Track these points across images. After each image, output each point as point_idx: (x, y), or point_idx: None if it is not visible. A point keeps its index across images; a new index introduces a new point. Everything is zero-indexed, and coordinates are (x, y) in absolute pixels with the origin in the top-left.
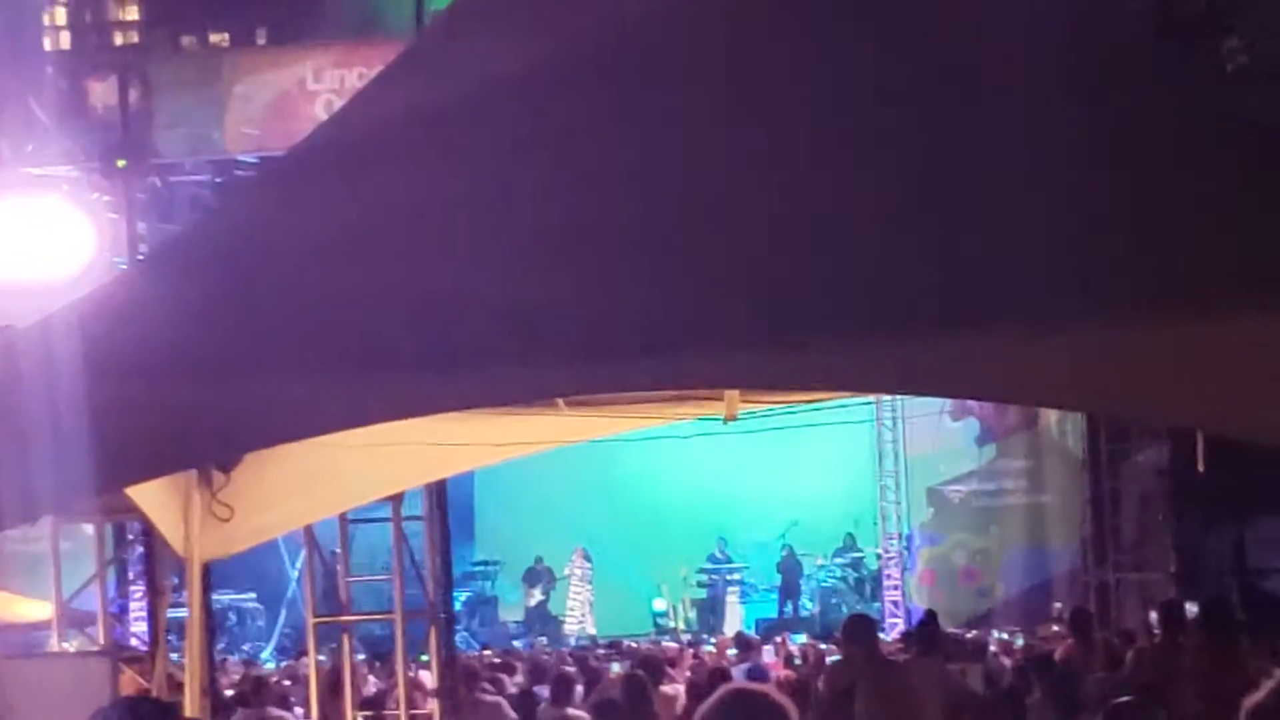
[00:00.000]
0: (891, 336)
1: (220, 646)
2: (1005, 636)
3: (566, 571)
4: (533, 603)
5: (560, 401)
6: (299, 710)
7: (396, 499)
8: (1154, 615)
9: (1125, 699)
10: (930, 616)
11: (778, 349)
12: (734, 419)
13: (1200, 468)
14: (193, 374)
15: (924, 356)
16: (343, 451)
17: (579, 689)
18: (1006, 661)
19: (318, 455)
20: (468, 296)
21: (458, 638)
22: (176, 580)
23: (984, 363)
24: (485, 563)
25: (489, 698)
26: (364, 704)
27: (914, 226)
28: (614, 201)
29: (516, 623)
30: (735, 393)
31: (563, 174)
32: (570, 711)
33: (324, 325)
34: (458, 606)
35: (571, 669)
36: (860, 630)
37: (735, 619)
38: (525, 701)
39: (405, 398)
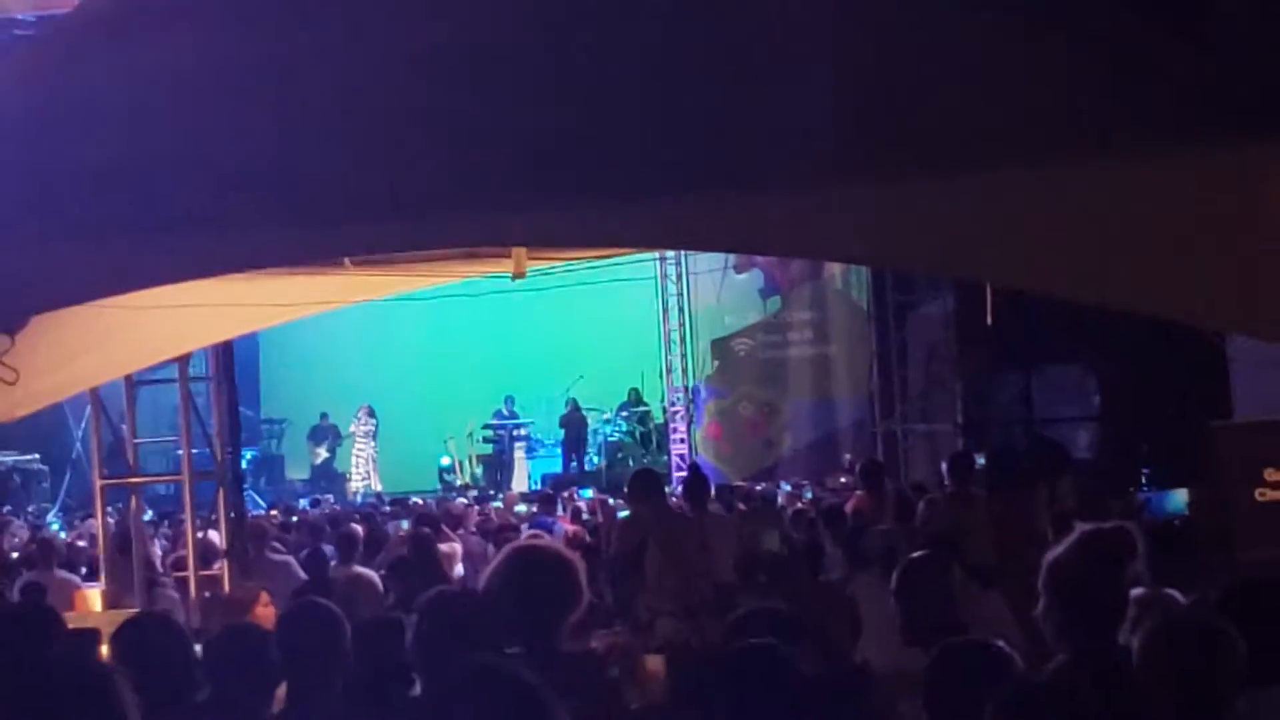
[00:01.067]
0: (673, 193)
1: (5, 509)
2: (791, 489)
3: (352, 429)
4: (318, 461)
5: (347, 260)
6: (84, 571)
7: (183, 360)
8: (944, 466)
9: (921, 553)
10: (693, 469)
11: (563, 207)
12: (522, 276)
13: (989, 320)
14: None
15: (705, 212)
16: (128, 313)
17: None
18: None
19: (103, 317)
20: (250, 159)
21: (244, 497)
22: None
23: (765, 216)
24: (271, 421)
25: (278, 557)
26: (153, 565)
27: (698, 90)
28: (406, 70)
29: (303, 481)
30: (523, 250)
31: (352, 46)
32: (357, 569)
33: (107, 189)
34: (244, 466)
35: (357, 527)
36: (647, 486)
37: (522, 475)
38: (314, 560)
39: (189, 259)
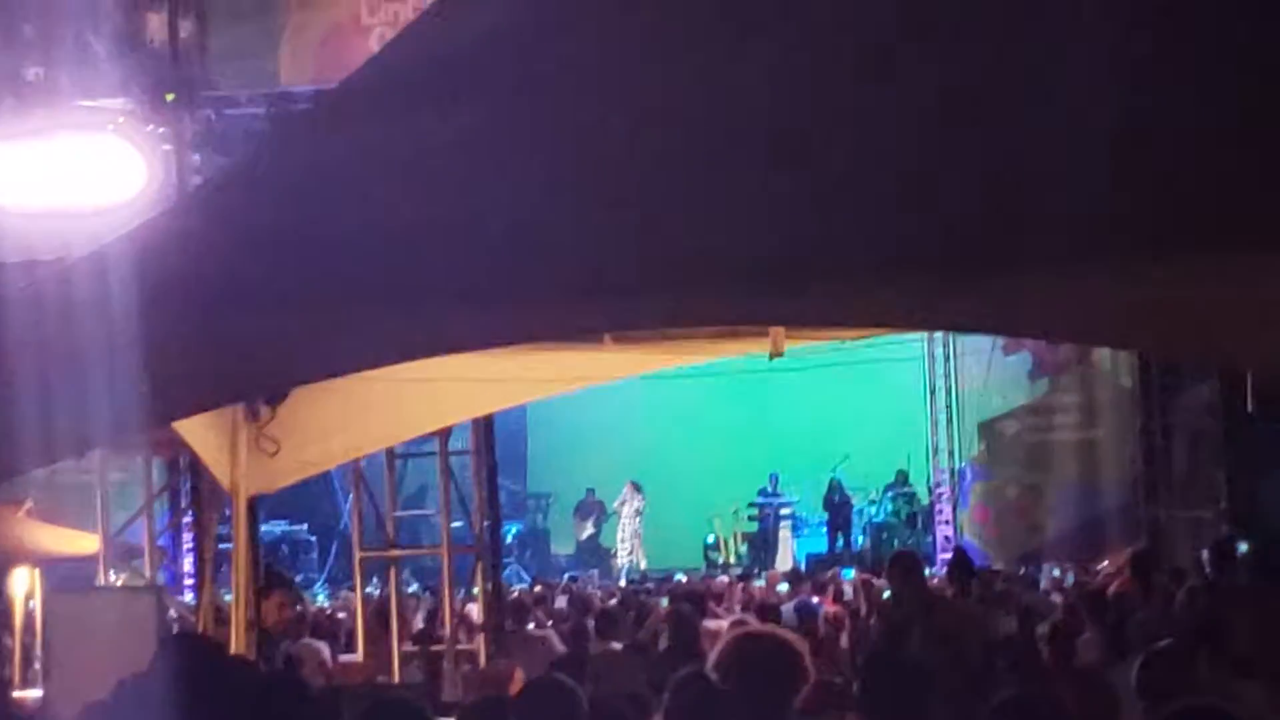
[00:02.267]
0: (938, 274)
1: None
2: (1057, 573)
3: (617, 505)
4: (584, 536)
5: (606, 337)
6: (339, 643)
7: (443, 433)
8: (1205, 554)
9: (1167, 641)
10: (959, 552)
11: (818, 286)
12: (780, 355)
13: (1249, 406)
14: (240, 307)
15: (971, 294)
16: (389, 386)
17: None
18: (1057, 599)
19: (364, 390)
20: (515, 232)
21: (509, 571)
22: (227, 514)
23: (1032, 299)
24: (537, 496)
25: (537, 631)
26: (412, 637)
27: (951, 161)
28: (652, 141)
29: (568, 556)
30: (781, 330)
31: (605, 111)
32: (615, 646)
33: (372, 260)
34: (509, 540)
35: (616, 603)
36: (907, 566)
37: (787, 553)
38: (576, 634)
39: (451, 332)
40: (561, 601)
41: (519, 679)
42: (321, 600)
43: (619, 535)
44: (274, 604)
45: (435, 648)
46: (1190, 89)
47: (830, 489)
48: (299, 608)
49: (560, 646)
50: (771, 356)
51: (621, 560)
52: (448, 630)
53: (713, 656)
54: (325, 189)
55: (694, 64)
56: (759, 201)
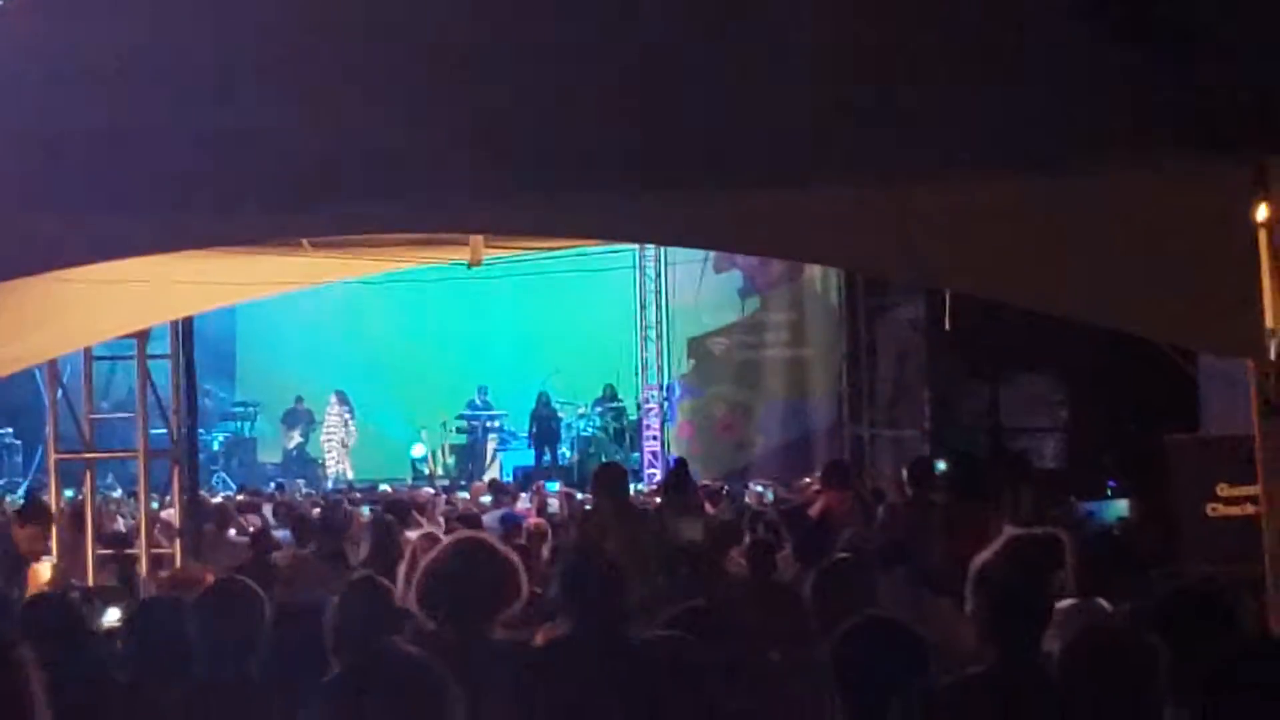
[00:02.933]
0: (646, 187)
1: None
2: (760, 489)
3: (327, 414)
4: (291, 445)
5: (305, 242)
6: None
7: (142, 336)
8: (904, 473)
9: (841, 556)
10: (680, 464)
11: (524, 196)
12: (478, 264)
13: (946, 326)
14: None
15: (683, 208)
16: (85, 287)
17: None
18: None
19: (62, 290)
20: (218, 138)
21: (215, 479)
22: None
23: (738, 214)
24: (244, 403)
25: (236, 537)
26: (108, 541)
27: (684, 84)
28: (375, 53)
29: (275, 465)
30: (479, 238)
31: (332, 26)
32: (305, 553)
33: (68, 161)
34: (215, 447)
35: (315, 511)
36: (611, 480)
37: (495, 467)
38: (261, 540)
39: (150, 233)
40: (268, 510)
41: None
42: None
43: (325, 445)
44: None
45: (130, 551)
46: (920, 39)
47: (538, 402)
48: None
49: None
50: (470, 265)
51: (330, 469)
52: (142, 535)
53: (426, 560)
54: (20, 91)
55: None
56: (464, 119)
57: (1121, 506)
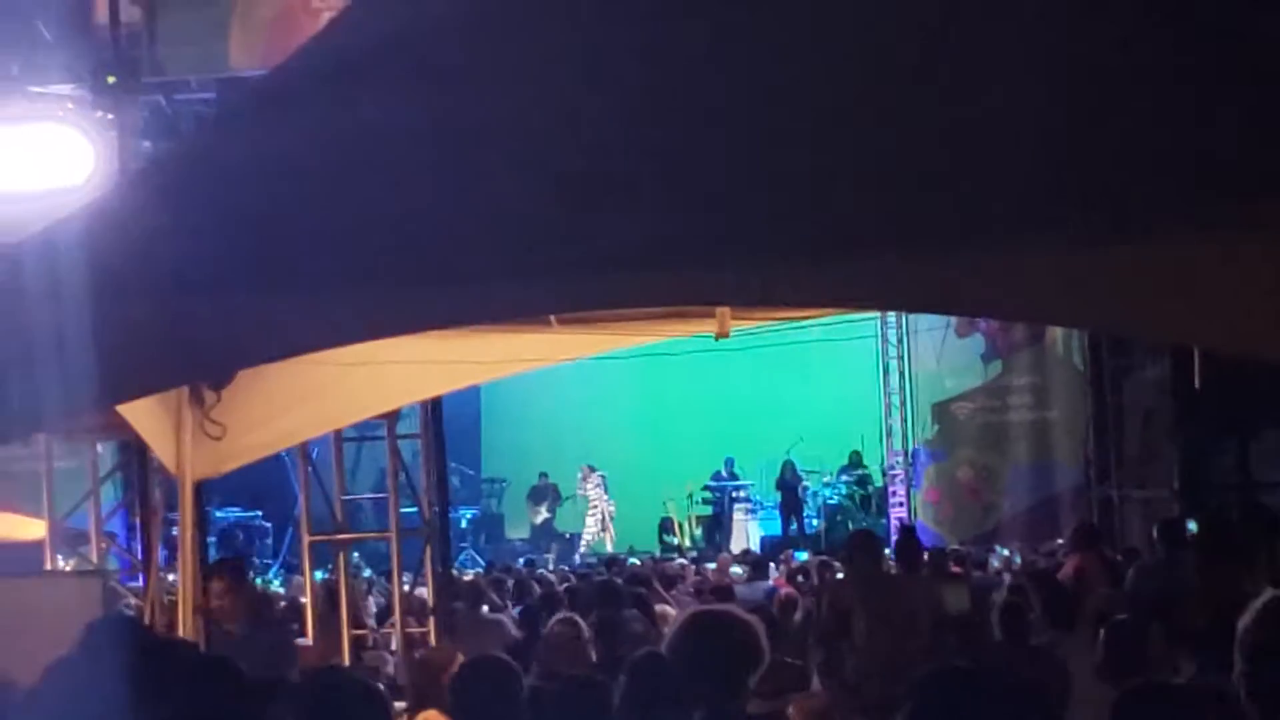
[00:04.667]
0: (892, 252)
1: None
2: (1007, 553)
3: (579, 490)
4: (538, 520)
5: (552, 319)
6: (294, 627)
7: (391, 416)
8: (1155, 533)
9: (1121, 617)
10: (906, 531)
11: (772, 265)
12: (725, 336)
13: (1196, 384)
14: (185, 290)
15: (926, 273)
16: (336, 369)
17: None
18: (1006, 577)
19: (310, 373)
20: (459, 214)
21: (463, 556)
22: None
23: (988, 280)
24: (492, 480)
25: (490, 615)
26: (360, 622)
27: (908, 147)
28: (601, 126)
29: (523, 540)
30: (727, 310)
31: (553, 99)
32: (568, 629)
33: (317, 243)
34: (463, 525)
35: (560, 587)
36: (860, 547)
37: (742, 537)
38: (529, 618)
39: (396, 314)
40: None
41: (460, 662)
42: (277, 586)
43: (586, 519)
44: (218, 587)
45: (385, 632)
46: (1135, 72)
47: (783, 471)
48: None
49: (514, 630)
50: (717, 337)
51: (586, 542)
52: (397, 614)
53: (668, 636)
54: (272, 171)
55: (626, 41)
56: (703, 182)
57: None
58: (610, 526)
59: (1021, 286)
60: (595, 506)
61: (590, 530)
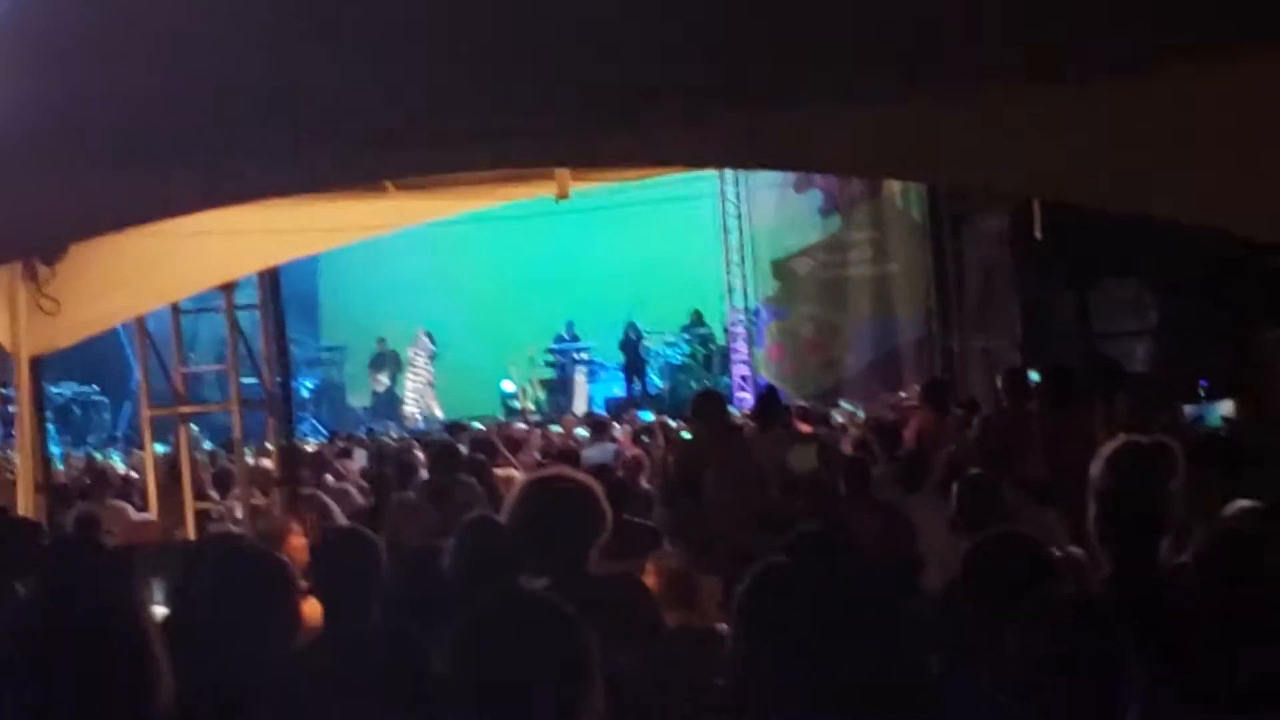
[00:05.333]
0: (725, 110)
1: (65, 440)
2: (851, 408)
3: (411, 354)
4: (380, 388)
5: (390, 185)
6: (138, 502)
7: (229, 287)
8: (999, 383)
9: (973, 472)
10: (769, 390)
11: (606, 126)
12: (565, 198)
13: (1037, 235)
14: (14, 163)
15: (759, 129)
16: (171, 240)
17: (423, 472)
18: (852, 432)
19: (146, 245)
20: (294, 85)
21: (304, 426)
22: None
23: (821, 134)
24: (331, 349)
25: (335, 484)
26: (203, 495)
27: (740, 9)
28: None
29: (365, 409)
30: (565, 171)
31: None
32: (411, 495)
33: (149, 114)
34: (304, 394)
35: (418, 453)
36: (706, 407)
37: (585, 399)
38: (378, 485)
39: (231, 184)
40: (361, 457)
41: (297, 532)
42: (116, 461)
43: (409, 384)
44: None
45: (229, 504)
46: None
47: (626, 331)
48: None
49: (360, 499)
50: (558, 198)
51: (411, 409)
52: (241, 486)
53: (507, 503)
54: (103, 43)
55: None
56: (537, 47)
57: (1224, 408)
58: (433, 397)
59: (854, 140)
60: (418, 375)
61: (413, 398)
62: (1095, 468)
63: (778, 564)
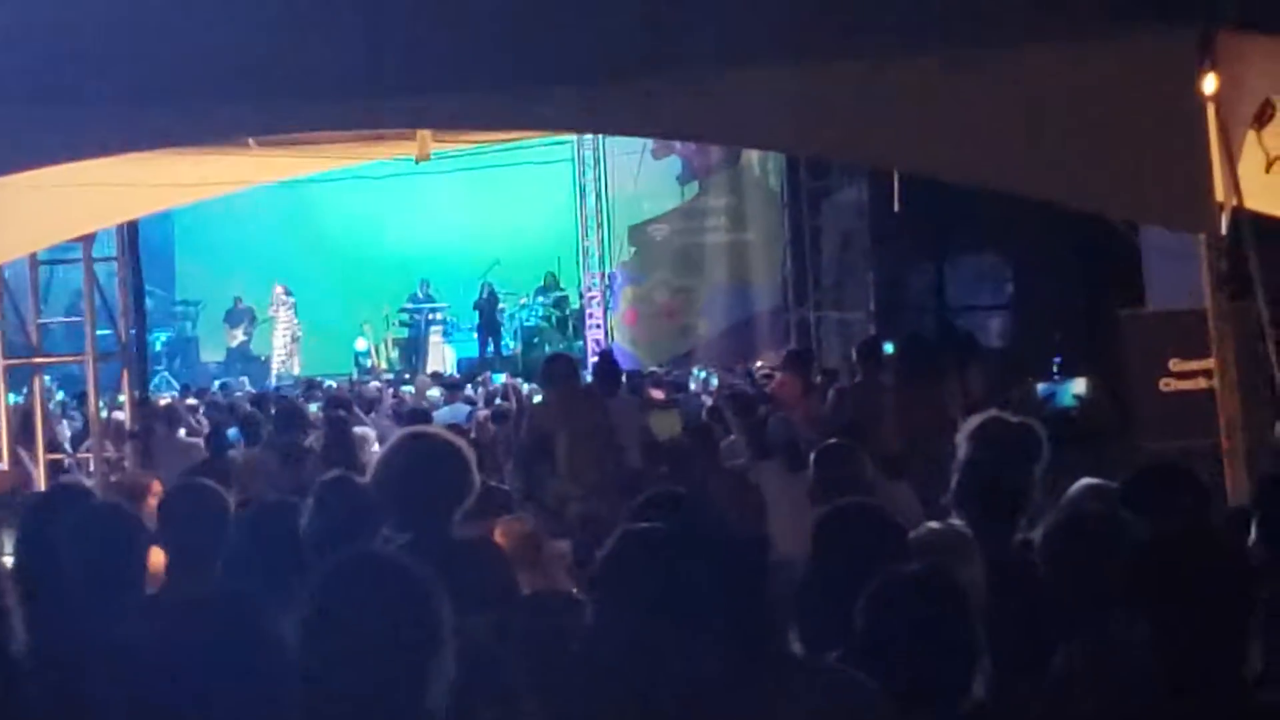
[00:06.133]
0: (583, 76)
1: None
2: (704, 375)
3: (271, 311)
4: (234, 343)
5: (251, 141)
6: None
7: (87, 240)
8: (853, 354)
9: (831, 442)
10: (604, 356)
11: (468, 90)
12: (426, 159)
13: (895, 207)
14: None
15: (618, 96)
16: (30, 191)
17: (268, 429)
18: (706, 400)
19: (4, 195)
20: (155, 34)
21: (158, 379)
22: None
23: (678, 101)
24: (186, 303)
25: (187, 439)
26: (56, 446)
27: None
28: None
29: (218, 364)
30: (427, 133)
31: None
32: (259, 451)
33: (9, 60)
34: (158, 348)
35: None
36: (559, 371)
37: (438, 359)
38: (215, 440)
39: (92, 135)
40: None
41: (157, 491)
42: None
43: (276, 339)
44: None
45: (82, 456)
46: None
47: (481, 292)
48: None
49: (205, 453)
50: (417, 160)
51: (278, 365)
52: (95, 439)
53: (376, 460)
54: None
55: None
56: (404, 11)
57: (1076, 386)
58: (298, 352)
59: (714, 109)
60: (285, 328)
61: (280, 352)
62: (960, 441)
63: (639, 529)
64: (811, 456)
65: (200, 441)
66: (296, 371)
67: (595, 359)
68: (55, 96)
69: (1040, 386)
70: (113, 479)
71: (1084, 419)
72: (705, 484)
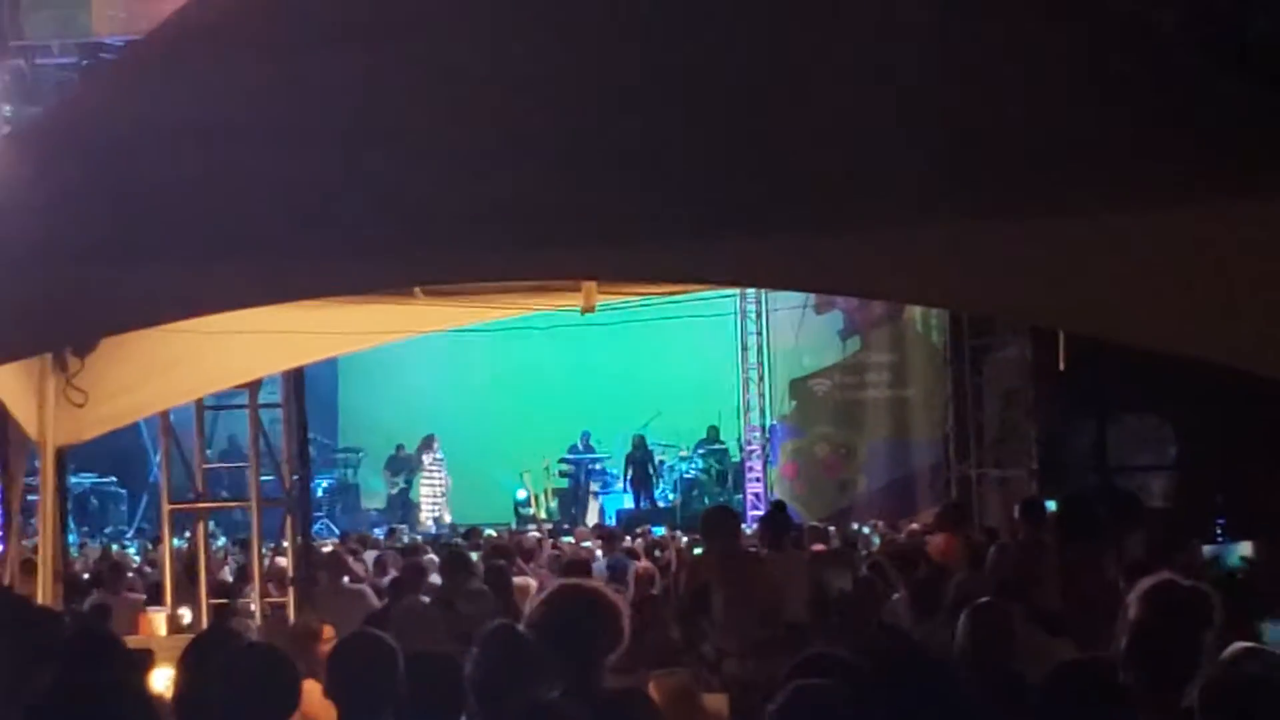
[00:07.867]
0: (750, 231)
1: (81, 530)
2: (866, 531)
3: (425, 460)
4: (395, 490)
5: (418, 290)
6: (153, 594)
7: (253, 386)
8: (1016, 512)
9: (984, 600)
10: (777, 507)
11: (638, 242)
12: (591, 310)
13: (1060, 366)
14: (50, 258)
15: (782, 251)
16: (199, 338)
17: (434, 576)
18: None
19: (173, 341)
20: (327, 185)
21: (318, 525)
22: (36, 465)
23: (845, 258)
24: (348, 450)
25: (353, 586)
26: (220, 590)
27: (777, 132)
28: (479, 100)
29: (378, 510)
30: (593, 284)
31: (429, 71)
32: (423, 599)
33: (182, 212)
34: (319, 494)
35: (428, 557)
36: (718, 523)
37: (598, 510)
38: (397, 588)
39: (259, 285)
40: (369, 556)
41: (329, 638)
42: (131, 553)
43: (422, 489)
44: None
45: (244, 601)
46: (1002, 54)
47: (633, 445)
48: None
49: (375, 601)
50: (583, 311)
51: (426, 515)
52: (256, 583)
53: (531, 609)
54: (139, 140)
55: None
56: (576, 160)
57: (1243, 549)
58: (447, 503)
59: (883, 265)
60: (431, 479)
61: (428, 501)
62: (1130, 601)
63: (813, 686)
64: (963, 615)
65: (364, 588)
66: (448, 520)
67: (766, 509)
68: (230, 245)
69: (1205, 549)
70: (289, 625)
71: (1249, 583)
72: (876, 639)
